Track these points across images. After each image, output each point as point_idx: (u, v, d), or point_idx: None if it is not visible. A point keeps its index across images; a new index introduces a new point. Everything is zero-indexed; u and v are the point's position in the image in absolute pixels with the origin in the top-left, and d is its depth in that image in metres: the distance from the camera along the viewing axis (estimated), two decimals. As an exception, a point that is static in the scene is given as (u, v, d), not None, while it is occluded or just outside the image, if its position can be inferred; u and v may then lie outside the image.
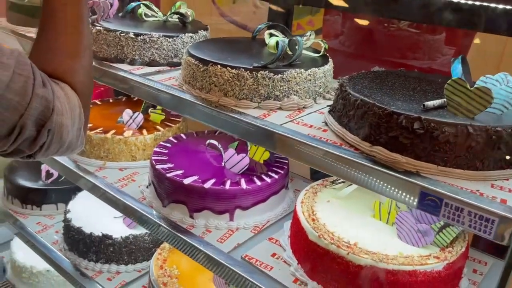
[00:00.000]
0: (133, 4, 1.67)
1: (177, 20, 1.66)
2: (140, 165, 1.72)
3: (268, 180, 1.39)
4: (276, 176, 1.42)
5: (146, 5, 1.68)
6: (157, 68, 1.47)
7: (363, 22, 1.99)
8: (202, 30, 1.58)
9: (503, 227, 0.76)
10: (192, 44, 1.43)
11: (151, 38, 1.46)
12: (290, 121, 1.12)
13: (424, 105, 0.92)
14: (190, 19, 1.66)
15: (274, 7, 1.83)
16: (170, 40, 1.48)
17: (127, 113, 1.78)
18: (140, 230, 1.84)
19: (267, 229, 1.38)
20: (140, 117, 1.78)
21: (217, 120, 1.16)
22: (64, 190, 2.17)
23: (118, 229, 1.84)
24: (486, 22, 1.28)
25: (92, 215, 1.91)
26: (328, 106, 1.16)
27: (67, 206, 2.00)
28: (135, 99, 2.10)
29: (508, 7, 1.21)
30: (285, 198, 1.50)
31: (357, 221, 1.18)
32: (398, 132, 0.89)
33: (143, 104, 1.88)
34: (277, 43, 1.24)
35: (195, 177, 1.36)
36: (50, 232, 2.09)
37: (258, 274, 1.18)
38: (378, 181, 0.90)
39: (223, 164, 1.46)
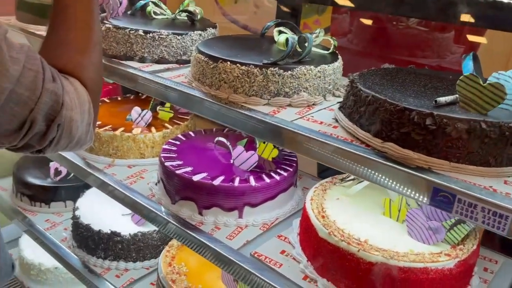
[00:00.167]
0: (142, 2, 1.68)
1: (186, 18, 1.66)
2: (149, 162, 1.73)
3: (277, 177, 1.39)
4: (285, 174, 1.41)
5: (154, 3, 1.68)
6: (166, 66, 1.47)
7: (372, 20, 1.98)
8: (210, 28, 1.58)
9: (517, 224, 0.75)
10: (201, 41, 1.43)
11: (160, 36, 1.47)
12: (300, 117, 1.11)
13: (436, 101, 0.91)
14: (199, 17, 1.66)
15: (282, 6, 1.84)
16: (179, 37, 1.48)
17: (135, 110, 1.79)
18: (148, 228, 1.85)
19: (275, 227, 1.38)
20: (148, 114, 1.79)
21: (227, 117, 1.16)
22: (73, 188, 2.18)
23: (126, 226, 1.84)
24: (497, 19, 1.27)
25: (100, 212, 1.92)
26: (338, 103, 1.16)
27: (76, 204, 2.01)
28: (143, 97, 2.10)
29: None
30: (294, 195, 1.50)
31: (367, 219, 1.18)
32: (410, 128, 0.89)
33: (152, 102, 1.89)
34: (287, 40, 1.24)
35: (204, 174, 1.37)
36: (58, 229, 2.10)
37: (268, 271, 1.18)
38: (389, 177, 0.90)
39: (231, 161, 1.46)
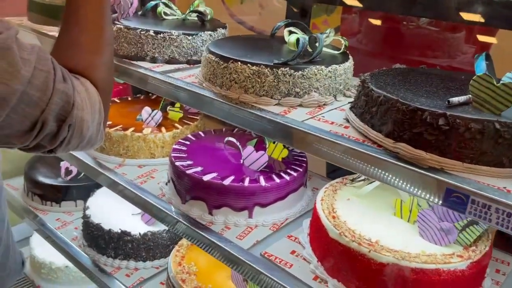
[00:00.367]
0: (153, 2, 1.69)
1: (196, 18, 1.67)
2: (159, 162, 1.74)
3: (287, 177, 1.39)
4: (295, 174, 1.41)
5: (165, 4, 1.69)
6: (176, 66, 1.48)
7: (381, 21, 1.98)
8: (221, 28, 1.58)
9: (532, 225, 0.74)
10: (211, 41, 1.44)
11: (171, 36, 1.47)
12: (311, 117, 1.11)
13: (449, 101, 0.90)
14: (209, 17, 1.66)
15: (292, 7, 1.83)
16: (189, 38, 1.49)
17: (146, 111, 1.80)
18: (158, 227, 1.86)
19: (286, 227, 1.38)
20: (159, 114, 1.80)
21: (237, 117, 1.16)
22: (83, 187, 2.20)
23: (136, 226, 1.85)
24: (509, 19, 1.26)
25: (110, 211, 1.93)
26: (349, 103, 1.15)
27: (86, 203, 2.02)
28: (153, 97, 2.11)
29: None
30: (304, 196, 1.50)
31: (378, 219, 1.17)
32: (423, 128, 0.88)
33: (162, 102, 1.89)
34: (297, 40, 1.24)
35: (214, 174, 1.37)
36: (69, 228, 2.12)
37: (278, 271, 1.18)
38: (401, 178, 0.89)
39: (241, 161, 1.46)
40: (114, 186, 1.61)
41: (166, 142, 1.76)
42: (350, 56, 1.32)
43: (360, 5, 1.69)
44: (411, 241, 1.09)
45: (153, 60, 1.48)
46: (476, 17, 1.32)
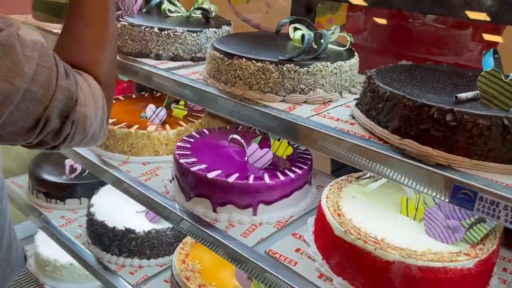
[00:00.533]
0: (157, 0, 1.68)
1: (201, 15, 1.66)
2: (163, 159, 1.73)
3: (292, 175, 1.38)
4: (300, 172, 1.40)
5: (169, 1, 1.69)
6: (180, 63, 1.47)
7: (387, 18, 1.96)
8: (225, 25, 1.57)
9: (541, 222, 0.73)
10: (216, 38, 1.43)
11: (175, 33, 1.47)
12: (316, 114, 1.10)
13: (456, 97, 0.89)
14: (213, 14, 1.66)
15: (297, 5, 1.83)
16: (194, 35, 1.48)
17: (150, 108, 1.80)
18: (162, 225, 1.86)
19: (290, 225, 1.37)
20: (163, 112, 1.79)
21: (242, 113, 1.16)
22: (87, 185, 2.20)
23: (140, 224, 1.85)
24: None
25: (115, 209, 1.93)
26: (354, 99, 1.14)
27: (90, 201, 2.03)
28: (157, 95, 2.11)
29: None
30: (308, 194, 1.49)
31: (384, 217, 1.16)
32: (430, 124, 0.87)
33: (166, 100, 1.89)
34: (302, 36, 1.23)
35: (218, 171, 1.36)
36: (73, 226, 2.12)
37: (282, 269, 1.17)
38: (408, 174, 0.88)
39: (246, 159, 1.45)
40: (119, 184, 1.60)
41: (170, 139, 1.75)
42: (355, 53, 1.31)
43: (365, 3, 1.68)
44: (417, 239, 1.08)
45: (158, 57, 1.48)
46: (482, 15, 1.31)
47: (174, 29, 1.47)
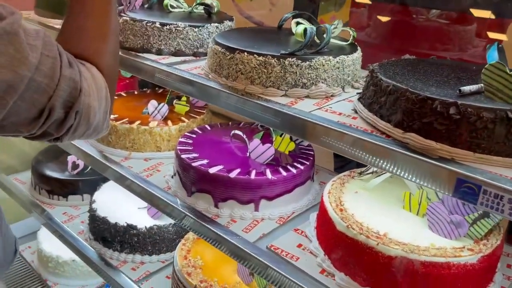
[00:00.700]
0: (159, -5, 1.68)
1: (203, 11, 1.65)
2: (165, 155, 1.73)
3: (294, 170, 1.37)
4: (302, 167, 1.40)
5: (172, -4, 1.68)
6: (182, 58, 1.47)
7: (391, 14, 1.95)
8: (227, 21, 1.57)
9: (546, 216, 0.72)
10: (218, 33, 1.42)
11: (177, 28, 1.46)
12: (318, 108, 1.10)
13: (460, 90, 0.88)
14: (216, 9, 1.65)
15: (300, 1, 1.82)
16: (195, 30, 1.48)
17: (152, 104, 1.79)
18: (164, 221, 1.85)
19: (292, 220, 1.36)
20: (165, 108, 1.79)
21: (243, 108, 1.15)
22: (90, 181, 2.20)
23: (142, 220, 1.85)
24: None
25: (117, 205, 1.93)
26: (357, 93, 1.14)
27: (93, 197, 2.02)
28: (160, 91, 2.11)
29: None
30: (311, 189, 1.48)
31: (387, 212, 1.15)
32: (433, 118, 0.86)
33: (168, 96, 1.89)
34: (305, 30, 1.22)
35: (220, 167, 1.36)
36: (76, 222, 2.12)
37: (284, 264, 1.16)
38: (411, 168, 0.87)
39: (248, 154, 1.45)
40: (121, 180, 1.60)
41: (172, 135, 1.75)
42: (358, 47, 1.30)
43: (369, 0, 1.66)
44: (420, 234, 1.07)
45: (159, 52, 1.48)
46: (487, 13, 1.29)
47: (176, 24, 1.46)
